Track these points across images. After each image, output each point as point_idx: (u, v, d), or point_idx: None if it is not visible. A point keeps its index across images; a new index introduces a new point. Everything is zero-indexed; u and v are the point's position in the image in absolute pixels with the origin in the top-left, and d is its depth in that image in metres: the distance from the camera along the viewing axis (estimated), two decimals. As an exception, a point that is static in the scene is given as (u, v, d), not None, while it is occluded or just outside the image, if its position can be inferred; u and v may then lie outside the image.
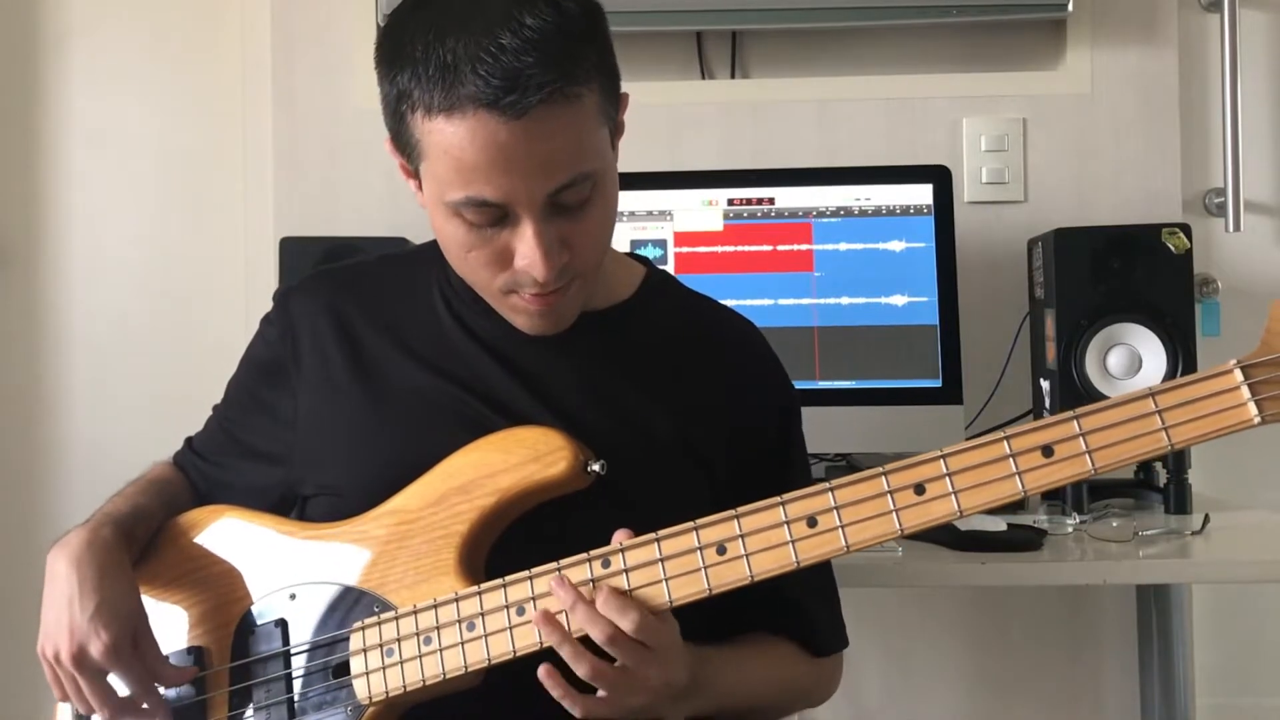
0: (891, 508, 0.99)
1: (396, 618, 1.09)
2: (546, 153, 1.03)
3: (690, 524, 1.03)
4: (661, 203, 1.92)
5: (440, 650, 1.07)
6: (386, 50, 1.08)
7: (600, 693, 1.04)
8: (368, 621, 1.10)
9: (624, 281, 1.26)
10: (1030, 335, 1.99)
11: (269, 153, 2.19)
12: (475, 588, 1.07)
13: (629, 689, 1.04)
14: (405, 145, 1.09)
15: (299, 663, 1.13)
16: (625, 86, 1.14)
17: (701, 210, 1.91)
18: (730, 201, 1.91)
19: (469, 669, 1.06)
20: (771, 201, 1.91)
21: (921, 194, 1.90)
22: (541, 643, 1.04)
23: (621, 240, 1.88)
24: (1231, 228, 2.10)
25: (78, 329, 2.32)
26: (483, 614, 1.06)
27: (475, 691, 1.08)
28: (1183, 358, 1.74)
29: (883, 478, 0.99)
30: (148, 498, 1.25)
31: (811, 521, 1.00)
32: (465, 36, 1.01)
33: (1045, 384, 1.88)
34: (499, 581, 1.07)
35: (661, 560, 1.03)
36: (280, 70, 2.19)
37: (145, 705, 1.12)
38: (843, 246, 1.89)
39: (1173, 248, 1.78)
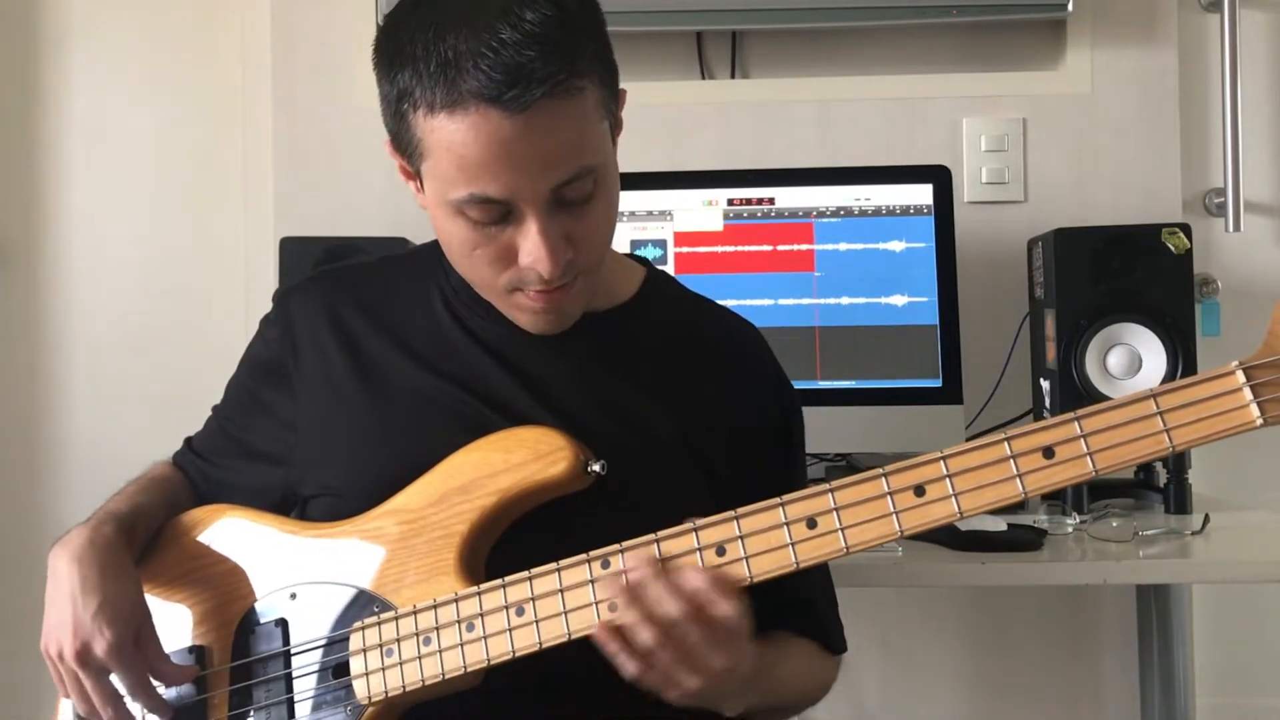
0: (891, 509, 0.99)
1: (396, 618, 1.09)
2: (550, 147, 1.03)
3: (690, 525, 1.03)
4: (661, 203, 1.92)
5: (440, 651, 1.07)
6: (386, 50, 1.08)
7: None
8: (367, 621, 1.10)
9: (624, 282, 1.26)
10: (1030, 335, 1.99)
11: (269, 153, 2.19)
12: (475, 588, 1.07)
13: (692, 668, 1.01)
14: (406, 145, 1.09)
15: (299, 662, 1.13)
16: (625, 86, 1.14)
17: (701, 210, 1.91)
18: (730, 201, 1.91)
19: (468, 669, 1.06)
20: (771, 201, 1.91)
21: (921, 194, 1.90)
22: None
23: (621, 240, 1.88)
24: (1231, 228, 2.10)
25: (78, 329, 2.32)
26: (482, 614, 1.06)
27: (475, 692, 1.08)
28: (1183, 358, 1.74)
29: (883, 479, 0.99)
30: (148, 496, 1.25)
31: (811, 523, 1.00)
32: (465, 32, 1.01)
33: (1045, 384, 1.88)
34: (499, 582, 1.06)
35: (661, 561, 1.03)
36: (280, 70, 2.19)
37: (147, 704, 1.12)
38: (843, 246, 1.89)
39: (1173, 248, 1.78)
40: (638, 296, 1.26)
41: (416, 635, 1.08)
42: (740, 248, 1.90)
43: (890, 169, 1.94)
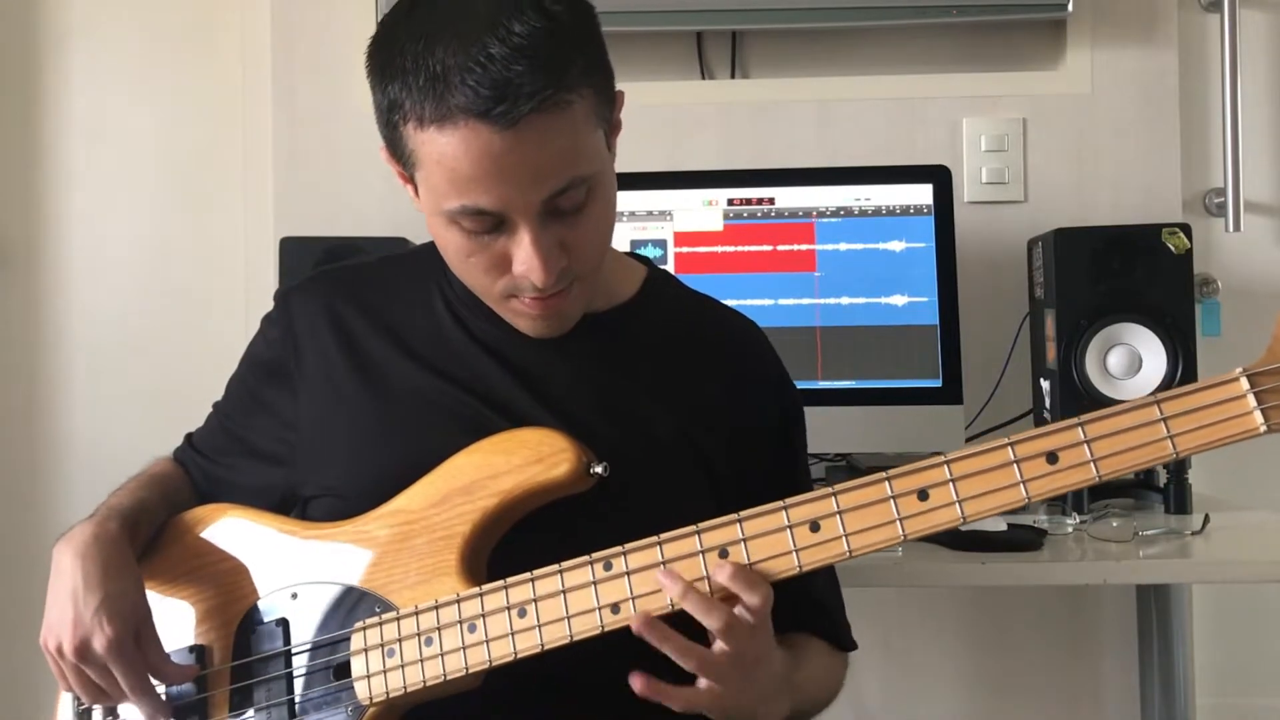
0: (895, 514, 0.99)
1: (398, 618, 1.09)
2: (540, 160, 1.03)
3: (693, 527, 1.03)
4: (661, 203, 1.92)
5: (441, 652, 1.07)
6: (378, 60, 1.08)
7: (703, 683, 1.01)
8: (369, 622, 1.10)
9: (625, 282, 1.26)
10: (1030, 335, 1.99)
11: (269, 153, 2.19)
12: (477, 589, 1.07)
13: (743, 676, 1.02)
14: (399, 154, 1.09)
15: (300, 662, 1.13)
16: (625, 86, 1.14)
17: (701, 210, 1.91)
18: (730, 201, 1.91)
19: (470, 671, 1.06)
20: (771, 201, 1.91)
21: (921, 194, 1.90)
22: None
23: (621, 240, 1.88)
24: (1231, 228, 2.10)
25: (78, 329, 2.32)
26: (484, 615, 1.06)
27: (475, 693, 1.08)
28: (1183, 358, 1.74)
29: (886, 483, 0.99)
30: (150, 492, 1.25)
31: (814, 526, 1.00)
32: (454, 45, 1.01)
33: (1045, 384, 1.88)
34: (500, 583, 1.06)
35: (664, 563, 1.03)
36: (280, 70, 2.19)
37: (145, 703, 1.12)
38: (843, 246, 1.89)
39: (1173, 248, 1.78)
40: (638, 296, 1.26)
41: (418, 636, 1.08)
42: (740, 248, 1.90)
43: (890, 169, 1.94)
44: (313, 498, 1.21)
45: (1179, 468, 1.78)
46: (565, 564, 1.05)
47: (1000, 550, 1.55)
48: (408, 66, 1.03)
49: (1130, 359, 1.77)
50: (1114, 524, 1.68)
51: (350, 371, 1.21)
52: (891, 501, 0.99)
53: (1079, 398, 1.76)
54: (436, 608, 1.08)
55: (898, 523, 0.99)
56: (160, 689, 1.15)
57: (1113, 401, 1.74)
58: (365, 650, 1.10)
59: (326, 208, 2.16)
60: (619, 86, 1.13)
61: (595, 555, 1.04)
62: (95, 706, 1.16)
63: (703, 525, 1.03)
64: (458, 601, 1.07)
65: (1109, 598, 2.15)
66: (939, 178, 1.90)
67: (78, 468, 2.29)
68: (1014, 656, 2.19)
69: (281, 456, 1.25)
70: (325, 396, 1.22)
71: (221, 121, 2.29)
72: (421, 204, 1.12)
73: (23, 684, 2.12)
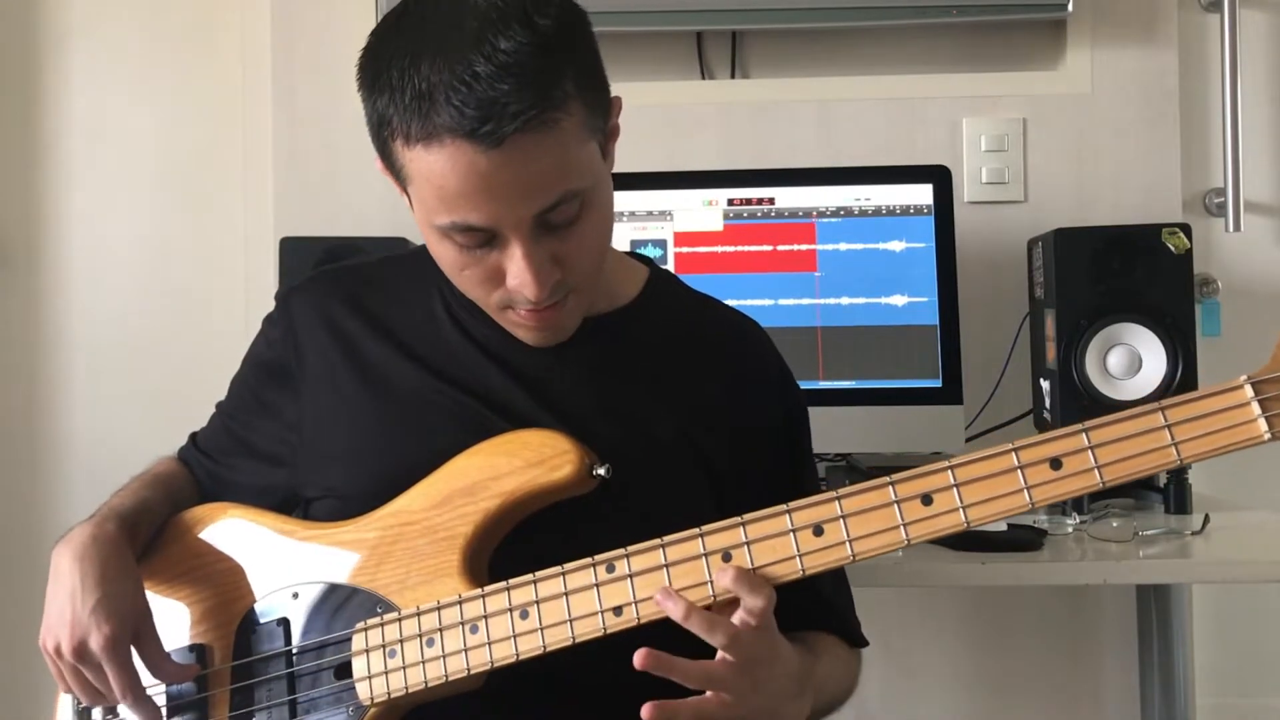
0: (899, 519, 0.99)
1: (399, 619, 1.09)
2: (529, 177, 1.02)
3: (696, 530, 1.03)
4: (661, 203, 1.92)
5: (443, 653, 1.07)
6: (367, 73, 1.07)
7: (712, 694, 1.00)
8: (370, 622, 1.10)
9: (626, 283, 1.26)
10: (1030, 335, 1.99)
11: (269, 153, 2.19)
12: (479, 590, 1.07)
13: (752, 683, 1.01)
14: (391, 168, 1.09)
15: (301, 662, 1.13)
16: (624, 87, 1.13)
17: (701, 210, 1.91)
18: (730, 201, 1.91)
19: (471, 672, 1.06)
20: (772, 201, 1.91)
21: (921, 194, 1.90)
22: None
23: (621, 240, 1.88)
24: (1231, 228, 2.10)
25: (78, 329, 2.31)
26: (486, 617, 1.06)
27: (476, 693, 1.08)
28: (1183, 358, 1.75)
29: (890, 487, 0.99)
30: (152, 491, 1.25)
31: (818, 530, 1.00)
32: (440, 62, 1.00)
33: (1045, 384, 1.88)
34: (503, 585, 1.06)
35: (666, 566, 1.03)
36: (280, 70, 2.19)
37: (139, 705, 1.12)
38: (843, 246, 1.89)
39: (1173, 248, 1.78)
40: (640, 298, 1.26)
41: (420, 637, 1.08)
42: (740, 248, 1.90)
43: (890, 169, 1.94)
44: (315, 499, 1.21)
45: (1179, 468, 1.78)
46: (568, 566, 1.05)
47: (1000, 550, 1.55)
48: (394, 83, 1.02)
49: (1130, 359, 1.77)
50: (1114, 524, 1.69)
51: (351, 373, 1.21)
52: (895, 506, 0.99)
53: (1079, 398, 1.76)
54: (438, 609, 1.08)
55: (901, 528, 0.98)
56: (161, 689, 1.15)
57: (1113, 401, 1.75)
58: (366, 650, 1.10)
59: (326, 208, 2.16)
60: (618, 89, 1.12)
61: (598, 557, 1.04)
62: (94, 707, 1.16)
63: (706, 528, 1.02)
64: (460, 602, 1.07)
65: (1109, 598, 2.15)
66: (939, 178, 1.90)
67: (78, 468, 2.29)
68: (1014, 656, 2.19)
69: (283, 458, 1.25)
70: (326, 397, 1.22)
71: (221, 121, 2.29)
72: (415, 216, 1.11)
73: (23, 684, 2.12)
